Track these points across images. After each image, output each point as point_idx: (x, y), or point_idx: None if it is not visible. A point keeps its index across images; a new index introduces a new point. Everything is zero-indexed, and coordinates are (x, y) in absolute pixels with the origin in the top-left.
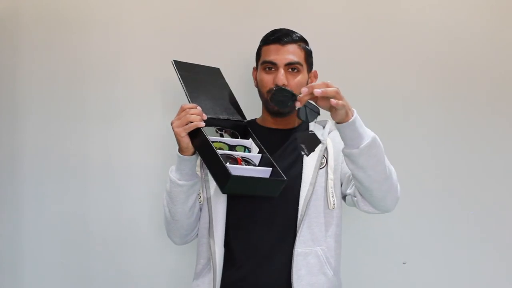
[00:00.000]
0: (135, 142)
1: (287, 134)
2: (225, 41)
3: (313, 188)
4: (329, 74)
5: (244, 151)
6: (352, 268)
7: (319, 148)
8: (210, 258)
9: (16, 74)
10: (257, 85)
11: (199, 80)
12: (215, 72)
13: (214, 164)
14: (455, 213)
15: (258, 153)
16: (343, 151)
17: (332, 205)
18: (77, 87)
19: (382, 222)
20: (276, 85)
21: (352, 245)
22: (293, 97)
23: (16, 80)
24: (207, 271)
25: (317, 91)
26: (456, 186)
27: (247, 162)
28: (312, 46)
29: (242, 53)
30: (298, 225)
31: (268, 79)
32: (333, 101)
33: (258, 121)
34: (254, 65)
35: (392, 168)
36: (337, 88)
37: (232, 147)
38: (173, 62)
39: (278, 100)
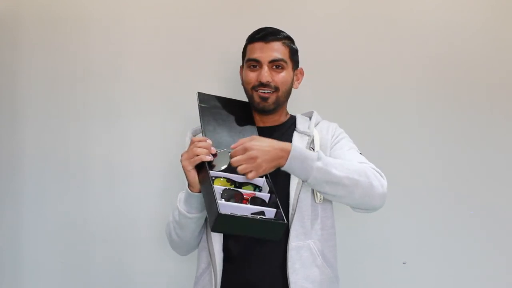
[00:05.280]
0: (135, 142)
1: (274, 130)
2: (225, 42)
3: (302, 181)
4: (329, 74)
5: (255, 190)
6: (352, 268)
7: (306, 141)
8: (210, 262)
9: (16, 74)
10: (243, 83)
11: (220, 113)
12: (242, 105)
13: (209, 200)
14: (455, 213)
15: (268, 192)
16: None
17: (318, 198)
18: (77, 87)
19: (382, 222)
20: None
21: (352, 245)
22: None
23: (16, 80)
24: (207, 275)
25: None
26: (456, 186)
27: (255, 200)
28: (312, 46)
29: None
30: (290, 220)
31: (252, 76)
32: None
33: None
34: None
35: (363, 169)
36: (243, 156)
37: (239, 185)
38: (197, 94)
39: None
